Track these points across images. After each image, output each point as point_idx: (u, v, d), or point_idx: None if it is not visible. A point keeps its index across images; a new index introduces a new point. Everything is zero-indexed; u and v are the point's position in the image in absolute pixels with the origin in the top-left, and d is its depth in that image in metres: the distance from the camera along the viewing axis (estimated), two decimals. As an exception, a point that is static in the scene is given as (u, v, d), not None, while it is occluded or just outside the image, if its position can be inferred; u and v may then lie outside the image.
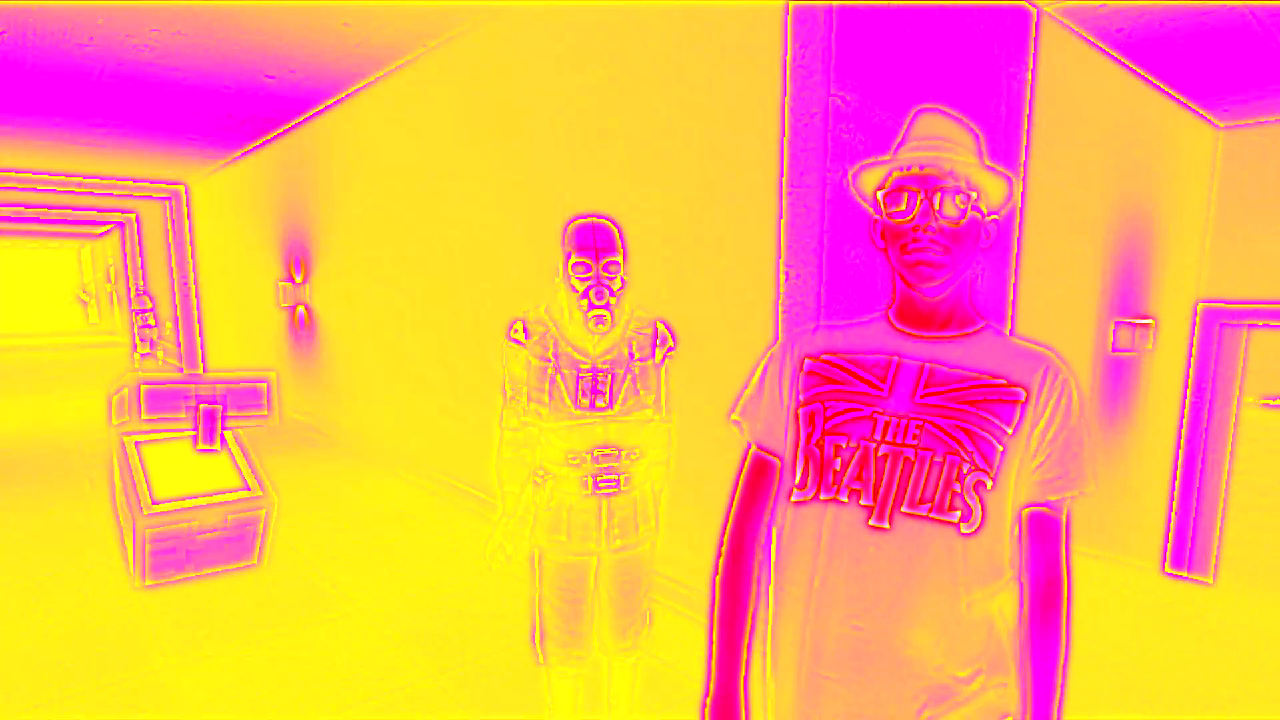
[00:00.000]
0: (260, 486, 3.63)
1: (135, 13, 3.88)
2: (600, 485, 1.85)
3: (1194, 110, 4.82)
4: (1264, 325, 3.52)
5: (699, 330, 2.87)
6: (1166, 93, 4.41)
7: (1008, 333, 1.10)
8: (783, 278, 2.46)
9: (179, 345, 10.90)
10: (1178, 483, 3.88)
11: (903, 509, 0.97)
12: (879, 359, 1.06)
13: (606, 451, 1.85)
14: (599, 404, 1.84)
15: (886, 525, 0.98)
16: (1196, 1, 3.20)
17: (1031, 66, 3.21)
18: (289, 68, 4.84)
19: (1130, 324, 4.23)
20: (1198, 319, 3.75)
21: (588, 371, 1.83)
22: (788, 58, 2.40)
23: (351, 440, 6.25)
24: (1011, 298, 3.41)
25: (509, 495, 1.95)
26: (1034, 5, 3.16)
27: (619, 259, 1.83)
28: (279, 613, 3.15)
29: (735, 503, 1.15)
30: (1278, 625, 3.06)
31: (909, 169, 1.00)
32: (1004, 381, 1.00)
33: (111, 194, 10.11)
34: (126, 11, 3.86)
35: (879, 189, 1.05)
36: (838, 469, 1.01)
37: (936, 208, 0.98)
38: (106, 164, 8.51)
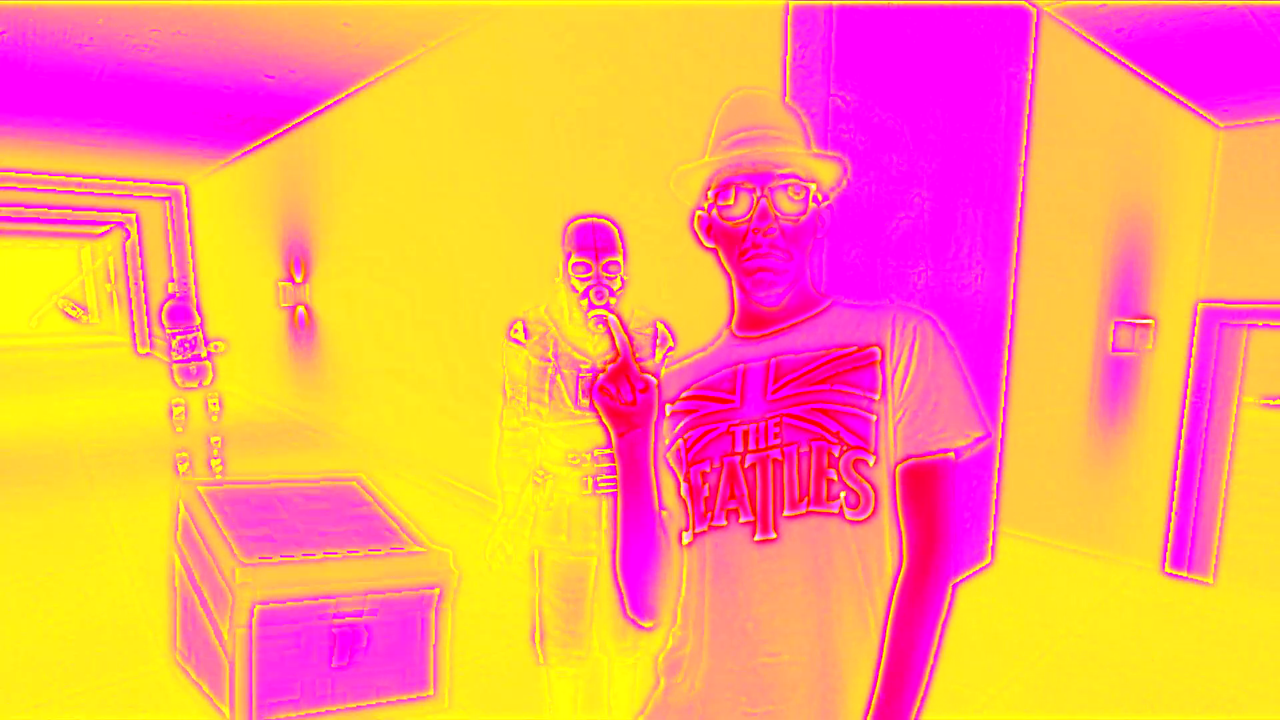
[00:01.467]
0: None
1: (135, 13, 3.88)
2: (600, 485, 1.85)
3: (1194, 110, 4.82)
4: (1264, 325, 3.52)
5: (699, 330, 2.86)
6: (1166, 93, 4.41)
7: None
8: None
9: (179, 345, 10.90)
10: (1178, 483, 3.89)
11: (784, 513, 0.89)
12: (724, 373, 0.98)
13: (606, 451, 1.85)
14: (599, 404, 1.84)
15: (773, 535, 0.89)
16: (1196, 1, 3.20)
17: (1031, 66, 3.21)
18: (289, 68, 4.84)
19: (1130, 324, 4.23)
20: (1198, 319, 3.75)
21: (588, 371, 1.83)
22: (788, 58, 2.40)
23: (351, 440, 6.25)
24: (1011, 298, 3.41)
25: (509, 495, 1.95)
26: (1034, 5, 3.16)
27: (619, 259, 1.83)
28: (279, 613, 3.15)
29: None
30: (1278, 625, 3.06)
31: (738, 166, 0.91)
32: (854, 348, 0.91)
33: (111, 194, 10.11)
34: (126, 11, 3.86)
35: (708, 189, 0.95)
36: (707, 495, 0.93)
37: (774, 206, 0.90)
38: (106, 164, 8.51)
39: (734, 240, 0.93)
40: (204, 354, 4.90)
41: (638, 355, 0.97)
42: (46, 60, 4.64)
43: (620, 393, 0.93)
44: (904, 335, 0.90)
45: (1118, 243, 4.21)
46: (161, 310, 5.19)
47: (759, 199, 0.90)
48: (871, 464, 0.88)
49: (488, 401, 4.29)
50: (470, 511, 4.53)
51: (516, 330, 1.86)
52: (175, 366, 4.85)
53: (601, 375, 0.93)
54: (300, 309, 7.05)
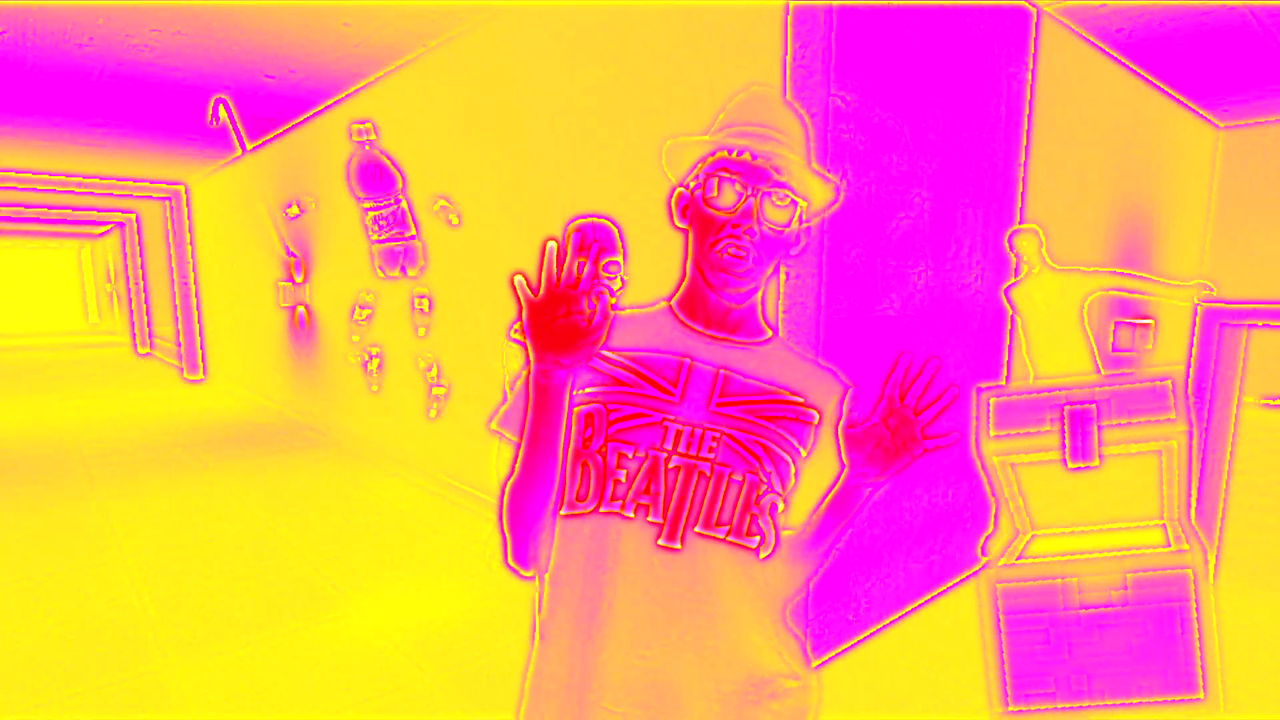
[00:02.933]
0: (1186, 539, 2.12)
1: (135, 13, 3.88)
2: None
3: (1194, 110, 4.82)
4: (1264, 325, 3.52)
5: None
6: (1166, 93, 4.41)
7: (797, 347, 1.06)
8: (783, 277, 2.46)
9: (179, 345, 10.90)
10: (1178, 483, 3.88)
11: (696, 529, 0.87)
12: (668, 359, 0.94)
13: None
14: (599, 404, 1.84)
15: (678, 545, 0.87)
16: (1196, 1, 3.20)
17: (1031, 66, 3.21)
18: (289, 68, 4.84)
19: (1130, 324, 4.23)
20: (1198, 319, 3.75)
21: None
22: (788, 58, 2.40)
23: (351, 440, 6.25)
24: (1011, 298, 3.41)
25: (509, 495, 1.94)
26: (1034, 5, 3.16)
27: (619, 259, 1.83)
28: (279, 613, 3.15)
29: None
30: (1278, 625, 3.06)
31: (739, 154, 0.89)
32: (801, 400, 0.92)
33: (111, 194, 10.11)
34: (126, 11, 3.86)
35: (698, 169, 0.93)
36: (622, 480, 0.89)
37: (758, 210, 0.88)
38: (106, 164, 8.51)
39: (709, 227, 0.91)
40: (412, 229, 3.44)
41: (610, 268, 0.89)
42: (46, 60, 4.64)
43: (570, 310, 0.82)
44: (839, 413, 0.94)
45: (1118, 243, 4.21)
46: (349, 172, 3.44)
47: (747, 196, 0.88)
48: (781, 509, 0.92)
49: (488, 401, 4.28)
50: (470, 511, 4.53)
51: (517, 330, 1.86)
52: (375, 248, 3.39)
53: (549, 283, 0.80)
54: (300, 309, 7.05)
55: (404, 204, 3.52)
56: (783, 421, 0.91)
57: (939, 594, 3.22)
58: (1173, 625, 2.04)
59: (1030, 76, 3.21)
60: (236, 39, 4.29)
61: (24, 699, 2.49)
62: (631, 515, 0.88)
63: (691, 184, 0.94)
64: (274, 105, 5.85)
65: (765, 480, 0.89)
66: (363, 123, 3.41)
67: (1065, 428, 2.13)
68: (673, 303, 1.00)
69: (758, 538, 0.88)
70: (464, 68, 4.16)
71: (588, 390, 0.94)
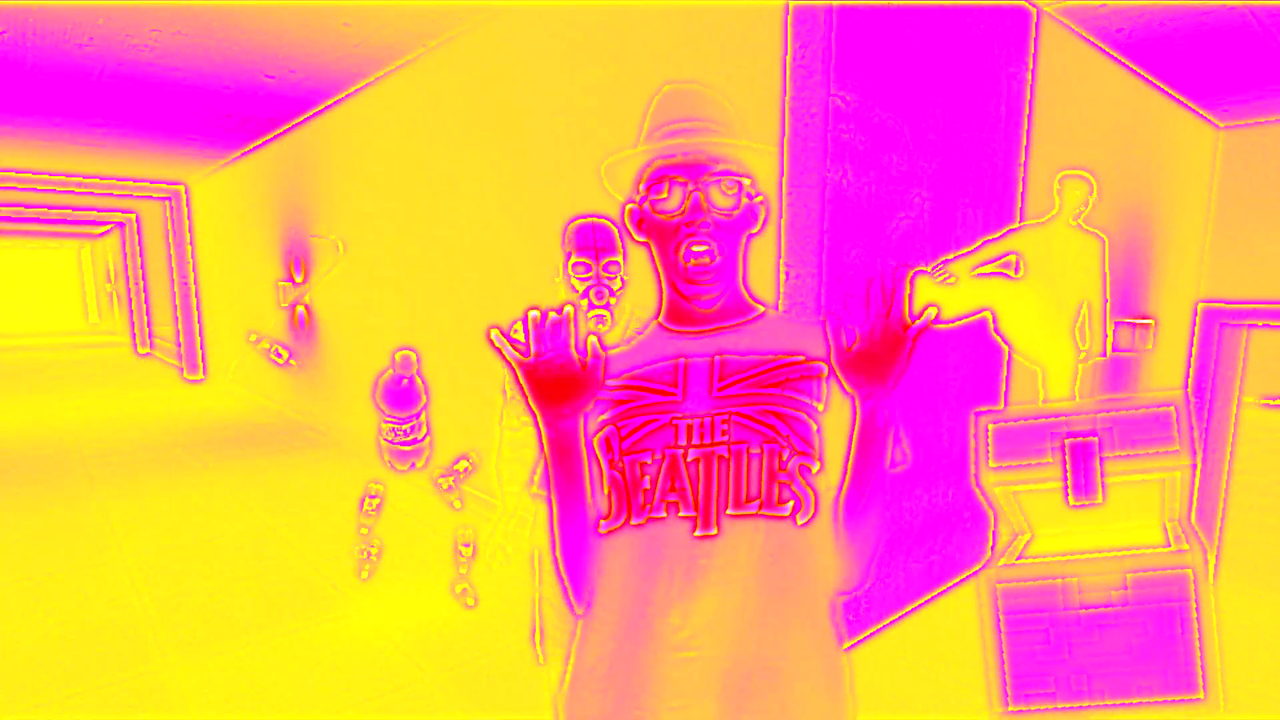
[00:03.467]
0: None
1: (135, 13, 3.88)
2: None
3: (1194, 110, 4.82)
4: (1264, 325, 3.52)
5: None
6: (1166, 93, 4.41)
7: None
8: (783, 278, 2.46)
9: (179, 345, 10.90)
10: (1178, 483, 3.88)
11: (728, 510, 0.88)
12: (665, 365, 0.96)
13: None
14: (599, 404, 1.84)
15: (714, 531, 0.87)
16: (1196, 1, 3.20)
17: (1031, 66, 3.21)
18: (289, 68, 4.84)
19: (1130, 324, 4.23)
20: (1198, 319, 3.75)
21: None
22: (788, 58, 2.40)
23: (351, 440, 6.25)
24: (1011, 298, 3.40)
25: (509, 495, 1.95)
26: (1034, 5, 3.16)
27: (619, 259, 1.83)
28: (279, 613, 3.15)
29: None
30: (1278, 625, 3.06)
31: (671, 157, 0.89)
32: (801, 358, 0.92)
33: (111, 194, 10.11)
34: (126, 11, 3.86)
35: (639, 181, 0.94)
36: (647, 486, 0.90)
37: (706, 200, 0.89)
38: (106, 164, 8.51)
39: (666, 234, 0.91)
40: (423, 433, 3.87)
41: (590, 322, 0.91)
42: (46, 60, 4.64)
43: (563, 363, 0.83)
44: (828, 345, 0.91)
45: (1118, 243, 4.21)
46: (377, 390, 3.63)
47: (691, 191, 0.89)
48: (815, 470, 0.89)
49: (488, 401, 4.29)
50: (470, 511, 4.53)
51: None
52: (387, 449, 3.80)
53: (537, 335, 0.81)
54: (300, 309, 7.05)
55: (425, 416, 3.87)
56: (787, 385, 0.91)
57: (939, 594, 3.22)
58: (1173, 625, 2.04)
59: (1030, 76, 3.20)
60: (236, 39, 4.29)
61: (24, 699, 2.49)
62: (663, 515, 0.89)
63: (638, 196, 0.94)
64: (274, 105, 5.84)
65: (785, 445, 0.88)
66: (397, 355, 3.70)
67: (1066, 461, 2.12)
68: (659, 319, 1.02)
69: (791, 503, 0.87)
70: (464, 68, 4.16)
71: (599, 419, 0.96)
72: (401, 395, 3.72)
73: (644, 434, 0.92)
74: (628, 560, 0.91)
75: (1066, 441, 2.12)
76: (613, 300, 1.81)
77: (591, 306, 1.79)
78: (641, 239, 0.97)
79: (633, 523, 0.91)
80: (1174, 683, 2.04)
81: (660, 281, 0.99)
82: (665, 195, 0.90)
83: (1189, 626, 2.03)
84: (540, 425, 0.88)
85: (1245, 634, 2.99)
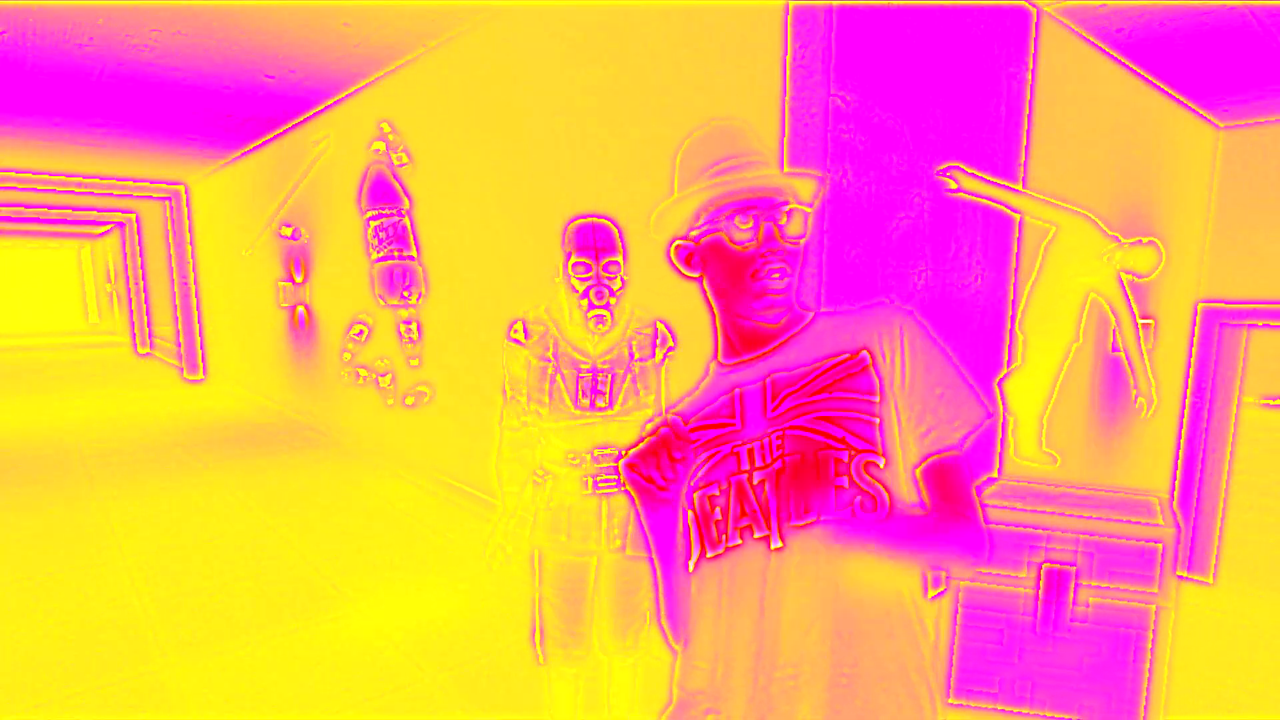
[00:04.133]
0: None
1: (135, 13, 3.88)
2: (600, 485, 1.85)
3: (1194, 110, 4.82)
4: (1264, 325, 3.52)
5: (699, 330, 2.87)
6: (1166, 93, 4.41)
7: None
8: (783, 278, 2.46)
9: (179, 345, 10.90)
10: (1177, 483, 3.89)
11: (792, 522, 0.89)
12: (721, 401, 0.99)
13: (606, 451, 1.85)
14: (599, 404, 1.84)
15: (781, 544, 0.89)
16: (1196, 1, 3.20)
17: (1031, 66, 3.21)
18: (289, 68, 4.84)
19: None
20: (1198, 319, 3.75)
21: (588, 371, 1.84)
22: (788, 58, 2.40)
23: (351, 440, 6.24)
24: (1012, 298, 3.41)
25: (509, 495, 1.95)
26: (1034, 5, 3.17)
27: (619, 259, 1.83)
28: (279, 612, 3.15)
29: None
30: (1278, 625, 3.06)
31: (739, 190, 0.92)
32: (845, 355, 0.92)
33: (111, 194, 10.11)
34: (126, 11, 3.86)
35: (698, 216, 0.96)
36: (718, 517, 0.94)
37: (780, 230, 0.92)
38: (106, 164, 8.51)
39: (740, 265, 0.93)
40: (414, 253, 3.34)
41: (678, 428, 0.95)
42: (46, 60, 4.64)
43: (658, 470, 0.92)
44: (891, 336, 0.91)
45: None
46: (362, 188, 3.42)
47: (764, 224, 0.91)
48: (882, 465, 0.88)
49: (488, 401, 4.29)
50: (470, 511, 4.53)
51: (516, 330, 1.86)
52: (376, 269, 3.32)
53: (637, 450, 0.93)
54: (300, 309, 7.05)
55: (406, 221, 3.53)
56: (836, 386, 0.91)
57: (939, 594, 3.22)
58: (1125, 653, 2.03)
59: (1030, 76, 3.21)
60: (236, 39, 4.29)
61: (24, 699, 2.49)
62: (739, 542, 0.92)
63: (695, 234, 0.97)
64: (274, 105, 5.84)
65: (842, 447, 0.88)
66: (381, 139, 3.42)
67: (1040, 588, 2.08)
68: (717, 358, 1.05)
69: (853, 503, 0.87)
70: (464, 68, 4.16)
71: None
72: (381, 189, 3.74)
73: (710, 466, 0.96)
74: (714, 592, 0.95)
75: (1044, 567, 2.08)
76: (613, 300, 1.81)
77: (591, 306, 1.79)
78: (693, 274, 0.99)
79: (709, 555, 0.95)
80: (1115, 709, 2.04)
81: (716, 318, 1.01)
82: (739, 225, 0.92)
83: (1141, 658, 2.02)
84: (637, 513, 1.00)
85: (1245, 634, 2.99)
